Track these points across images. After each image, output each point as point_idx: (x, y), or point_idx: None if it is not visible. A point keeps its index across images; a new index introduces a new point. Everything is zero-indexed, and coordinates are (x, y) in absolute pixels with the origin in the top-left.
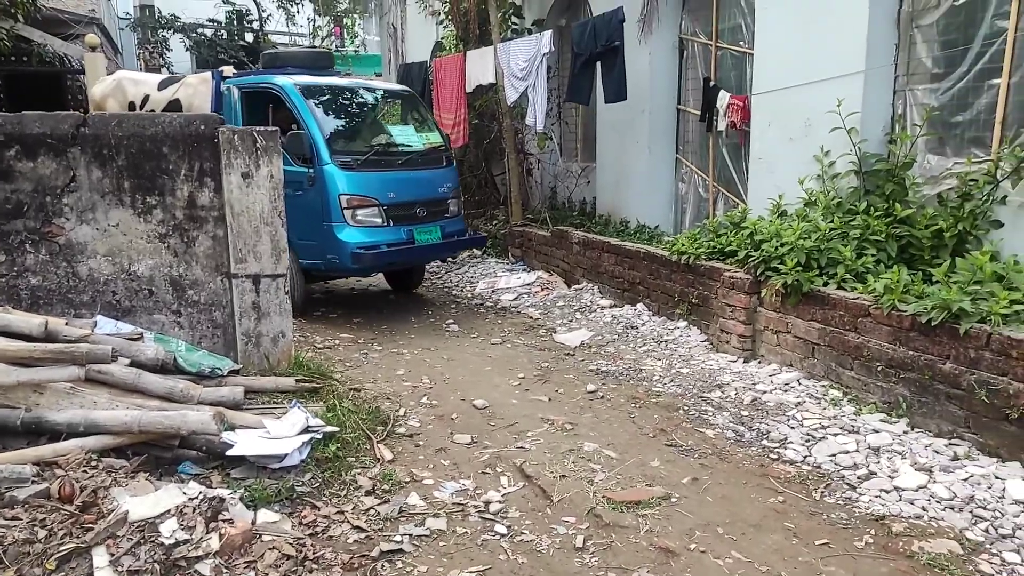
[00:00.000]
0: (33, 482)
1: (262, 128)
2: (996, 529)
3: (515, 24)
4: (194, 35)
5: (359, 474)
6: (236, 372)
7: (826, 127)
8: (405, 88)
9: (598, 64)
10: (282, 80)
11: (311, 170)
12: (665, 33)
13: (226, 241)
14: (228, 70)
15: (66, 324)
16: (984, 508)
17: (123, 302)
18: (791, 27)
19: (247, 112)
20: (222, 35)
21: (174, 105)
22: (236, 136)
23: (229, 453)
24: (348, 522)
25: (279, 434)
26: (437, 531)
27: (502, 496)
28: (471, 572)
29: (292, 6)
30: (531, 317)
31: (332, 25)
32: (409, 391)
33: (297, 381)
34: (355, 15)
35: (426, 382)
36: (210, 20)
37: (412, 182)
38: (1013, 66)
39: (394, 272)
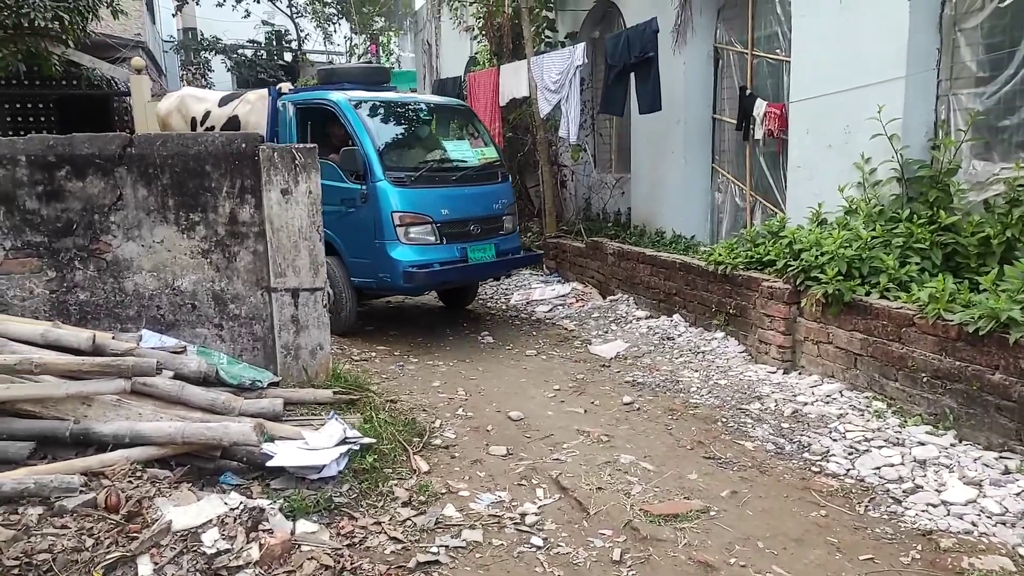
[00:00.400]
0: (81, 492)
1: (301, 145)
2: None
3: (548, 38)
4: (235, 56)
5: (396, 485)
6: (275, 384)
7: (866, 134)
8: (461, 103)
9: (632, 75)
10: (336, 96)
11: (364, 187)
12: (700, 43)
13: (266, 256)
14: (285, 86)
15: (112, 338)
16: None
17: (167, 316)
18: (829, 34)
19: (302, 128)
20: (262, 55)
21: (233, 121)
22: (276, 153)
23: (269, 464)
24: (385, 533)
25: (317, 445)
26: (473, 543)
27: (538, 508)
28: None
29: (329, 26)
30: (566, 329)
31: (368, 43)
32: (445, 403)
33: (335, 393)
34: (390, 32)
35: (461, 394)
36: (250, 41)
37: (466, 199)
38: None
39: (447, 289)
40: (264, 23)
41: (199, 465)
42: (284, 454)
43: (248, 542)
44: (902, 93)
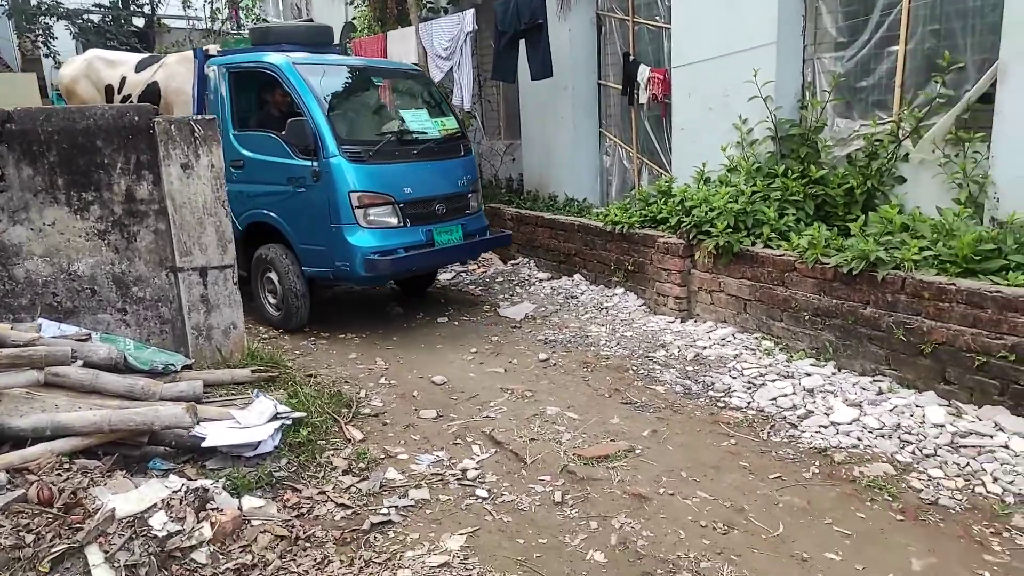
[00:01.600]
0: (8, 489)
1: (200, 117)
2: (921, 451)
3: (431, 3)
4: (80, 21)
5: (333, 455)
6: (189, 367)
7: (743, 96)
8: (415, 67)
9: (521, 42)
10: (276, 58)
11: (315, 163)
12: (583, 9)
13: (169, 234)
14: (213, 48)
15: (11, 328)
16: (909, 434)
17: (65, 303)
18: (705, 2)
19: (236, 96)
20: (110, 20)
21: (152, 88)
22: (173, 126)
23: (205, 444)
24: (332, 501)
25: (249, 423)
26: (421, 500)
27: (477, 463)
28: (461, 534)
29: None
30: (473, 294)
31: (228, 7)
32: (366, 373)
33: (253, 371)
34: None
35: (381, 364)
36: (96, 5)
37: (430, 174)
38: (909, 33)
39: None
40: None
41: (125, 453)
42: (216, 434)
43: (199, 522)
44: (773, 58)
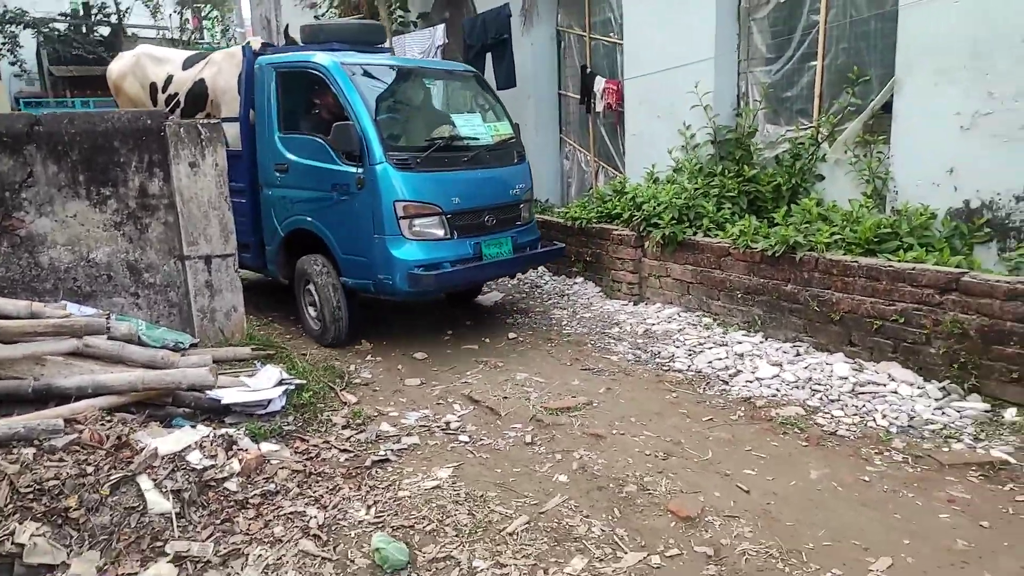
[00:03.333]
0: (65, 433)
1: (206, 121)
2: (827, 397)
3: (401, 17)
4: (46, 30)
5: (332, 415)
6: (195, 345)
7: (687, 105)
8: (469, 68)
9: (488, 55)
10: (324, 58)
11: (360, 170)
12: (544, 26)
13: (177, 226)
14: (256, 42)
15: (45, 307)
16: (819, 384)
17: (84, 288)
18: (653, 21)
19: (284, 96)
20: (75, 29)
21: (199, 86)
22: (182, 129)
23: (224, 402)
24: (335, 448)
25: (259, 387)
26: (412, 445)
27: (458, 417)
28: (449, 467)
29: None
30: None
31: (190, 17)
32: (352, 352)
33: (253, 349)
34: (218, 9)
35: (366, 344)
36: (62, 15)
37: (480, 183)
38: (825, 51)
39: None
40: None
41: (151, 413)
42: (232, 395)
43: (228, 459)
44: (712, 72)
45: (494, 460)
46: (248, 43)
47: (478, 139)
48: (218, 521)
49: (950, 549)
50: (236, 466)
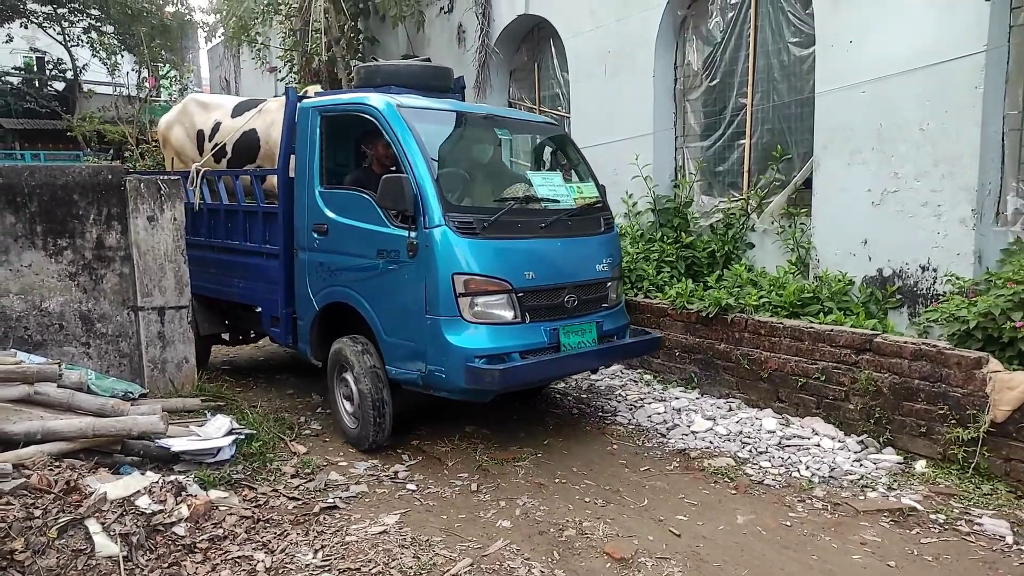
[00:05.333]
0: (13, 478)
1: (165, 176)
2: (756, 449)
3: None
4: None
5: (282, 464)
6: (144, 396)
7: (629, 175)
8: (549, 120)
9: None
10: (379, 100)
11: (413, 234)
12: (497, 98)
13: (132, 278)
14: (312, 90)
15: None
16: (748, 438)
17: (35, 336)
18: (598, 97)
19: (328, 145)
20: (25, 83)
21: (250, 136)
22: (142, 184)
23: (174, 450)
24: (284, 496)
25: (208, 435)
26: (361, 493)
27: (406, 467)
28: (396, 514)
29: (111, 58)
30: None
31: (146, 76)
32: (303, 405)
33: (203, 401)
34: (176, 69)
35: (316, 397)
36: (16, 68)
37: (559, 256)
38: (752, 130)
39: None
40: (32, 49)
41: (99, 461)
42: (181, 443)
43: (177, 504)
44: (651, 145)
45: (440, 507)
46: (292, 86)
47: (558, 202)
48: (165, 565)
49: None
50: (185, 511)
